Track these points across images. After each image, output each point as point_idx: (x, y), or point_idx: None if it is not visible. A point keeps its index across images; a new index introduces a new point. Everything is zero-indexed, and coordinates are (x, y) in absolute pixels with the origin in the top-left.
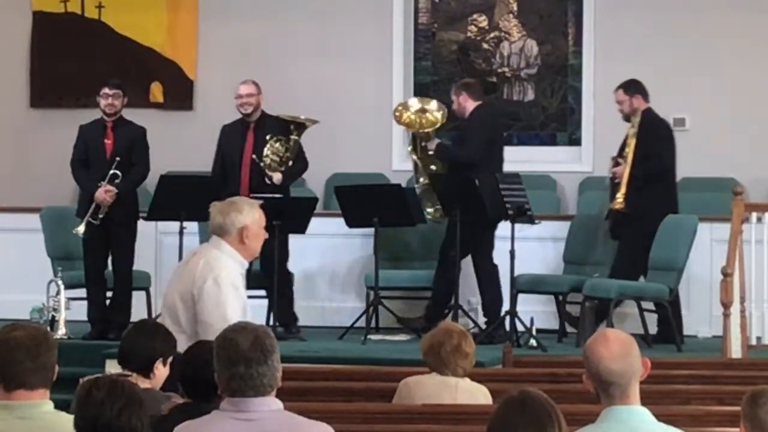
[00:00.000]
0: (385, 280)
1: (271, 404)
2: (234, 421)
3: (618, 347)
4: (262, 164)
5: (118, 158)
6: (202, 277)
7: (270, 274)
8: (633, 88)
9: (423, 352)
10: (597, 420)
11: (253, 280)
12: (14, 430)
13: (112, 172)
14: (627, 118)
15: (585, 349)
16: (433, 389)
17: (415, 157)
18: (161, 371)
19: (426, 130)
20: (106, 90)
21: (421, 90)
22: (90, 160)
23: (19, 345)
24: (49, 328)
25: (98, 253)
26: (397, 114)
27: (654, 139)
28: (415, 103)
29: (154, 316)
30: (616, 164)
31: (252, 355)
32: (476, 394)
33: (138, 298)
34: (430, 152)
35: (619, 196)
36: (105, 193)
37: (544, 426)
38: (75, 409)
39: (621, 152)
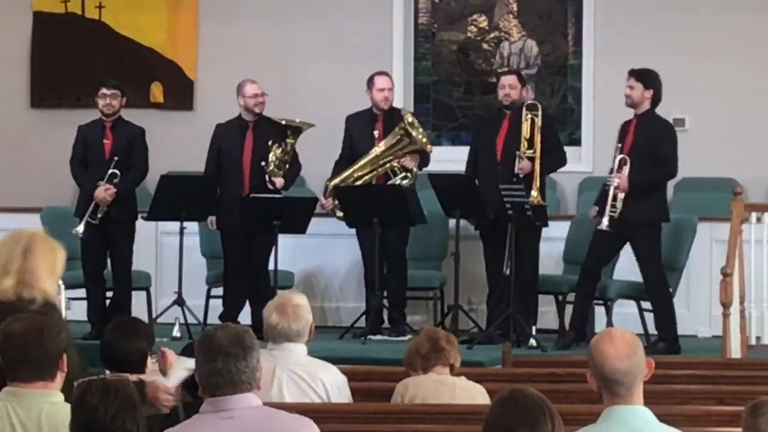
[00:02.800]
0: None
1: (251, 401)
2: (214, 422)
3: (624, 346)
4: (268, 170)
5: (116, 158)
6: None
7: (259, 274)
8: (523, 78)
9: (407, 358)
10: (598, 419)
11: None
12: (11, 415)
13: (110, 171)
14: (510, 105)
15: (590, 347)
16: (431, 389)
17: (378, 150)
18: (150, 366)
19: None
20: (103, 90)
21: (421, 90)
22: (88, 160)
23: (14, 338)
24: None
25: (97, 253)
26: (410, 121)
27: (553, 132)
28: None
29: (154, 316)
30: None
31: (230, 350)
32: (474, 393)
33: (138, 298)
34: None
35: (534, 192)
36: (104, 192)
37: (537, 422)
38: (70, 413)
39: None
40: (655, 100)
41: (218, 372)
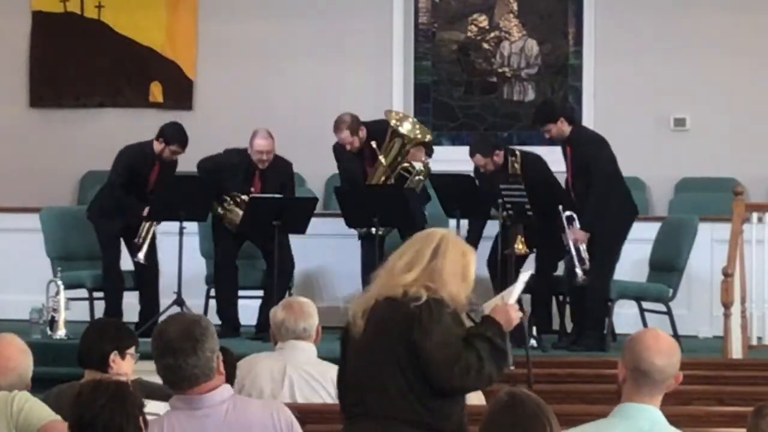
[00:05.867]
0: None
1: (223, 394)
2: (194, 421)
3: (666, 345)
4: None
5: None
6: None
7: (270, 275)
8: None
9: None
10: (609, 414)
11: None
12: None
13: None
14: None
15: (632, 338)
16: None
17: (382, 159)
18: (119, 364)
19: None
20: (178, 149)
21: (421, 90)
22: (130, 186)
23: None
24: (48, 329)
25: (118, 251)
26: (396, 120)
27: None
28: (410, 124)
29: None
30: None
31: (179, 345)
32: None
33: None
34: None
35: None
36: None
37: (534, 427)
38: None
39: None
40: (570, 119)
41: (170, 368)
